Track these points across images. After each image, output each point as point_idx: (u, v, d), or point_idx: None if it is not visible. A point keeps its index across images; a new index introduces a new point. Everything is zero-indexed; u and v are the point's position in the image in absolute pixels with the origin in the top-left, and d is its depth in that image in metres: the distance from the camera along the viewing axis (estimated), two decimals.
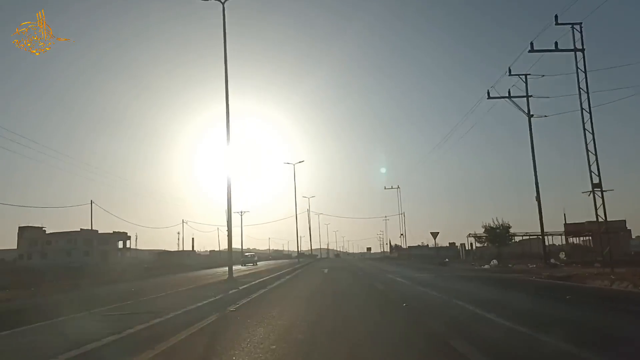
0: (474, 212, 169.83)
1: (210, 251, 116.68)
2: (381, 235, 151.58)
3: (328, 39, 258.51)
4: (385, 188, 79.08)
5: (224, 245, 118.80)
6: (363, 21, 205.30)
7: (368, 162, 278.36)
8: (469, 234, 51.14)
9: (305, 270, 36.01)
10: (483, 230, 41.85)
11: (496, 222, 40.39)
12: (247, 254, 66.90)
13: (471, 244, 52.03)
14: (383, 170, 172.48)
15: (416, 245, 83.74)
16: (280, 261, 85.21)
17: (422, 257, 70.49)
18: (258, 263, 62.58)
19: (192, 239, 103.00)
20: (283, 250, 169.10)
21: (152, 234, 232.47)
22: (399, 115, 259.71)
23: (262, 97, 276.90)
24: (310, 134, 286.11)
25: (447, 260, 47.28)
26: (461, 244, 55.53)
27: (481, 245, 47.05)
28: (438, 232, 41.95)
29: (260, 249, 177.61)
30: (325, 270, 33.66)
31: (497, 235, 40.47)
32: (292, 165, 57.79)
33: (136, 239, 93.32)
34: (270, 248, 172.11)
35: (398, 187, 77.98)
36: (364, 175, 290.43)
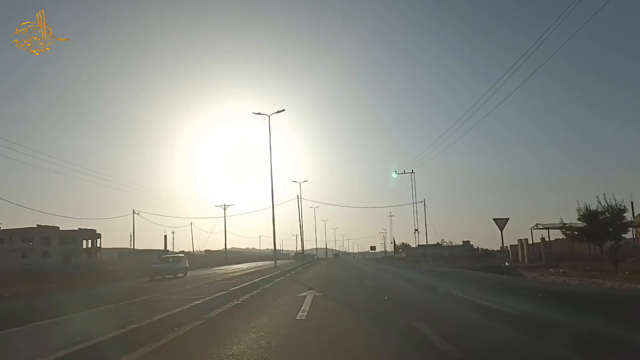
0: (478, 210, 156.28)
1: (205, 251, 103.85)
2: (384, 234, 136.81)
3: (330, 38, 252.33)
4: (396, 173, 67.93)
5: (201, 244, 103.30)
6: (364, 21, 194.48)
7: (370, 160, 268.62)
8: (537, 224, 35.83)
9: (254, 302, 12.91)
10: (578, 216, 26.65)
11: (603, 204, 25.11)
12: (166, 256, 38.75)
13: (542, 238, 36.78)
14: (394, 175, 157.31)
15: (426, 244, 70.95)
16: (260, 264, 57.53)
17: (438, 257, 58.80)
18: (219, 268, 44.48)
19: (165, 236, 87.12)
20: (281, 250, 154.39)
21: (147, 233, 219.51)
22: (403, 113, 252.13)
23: (262, 96, 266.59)
24: (310, 133, 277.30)
25: (506, 264, 32.85)
26: (520, 240, 40.15)
27: (565, 238, 31.63)
28: (507, 219, 27.05)
29: (257, 248, 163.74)
30: (308, 299, 12.51)
31: (604, 223, 25.13)
32: (266, 117, 39.58)
33: (133, 239, 78.38)
34: (268, 248, 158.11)
35: (412, 172, 65.21)
36: (366, 171, 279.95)
